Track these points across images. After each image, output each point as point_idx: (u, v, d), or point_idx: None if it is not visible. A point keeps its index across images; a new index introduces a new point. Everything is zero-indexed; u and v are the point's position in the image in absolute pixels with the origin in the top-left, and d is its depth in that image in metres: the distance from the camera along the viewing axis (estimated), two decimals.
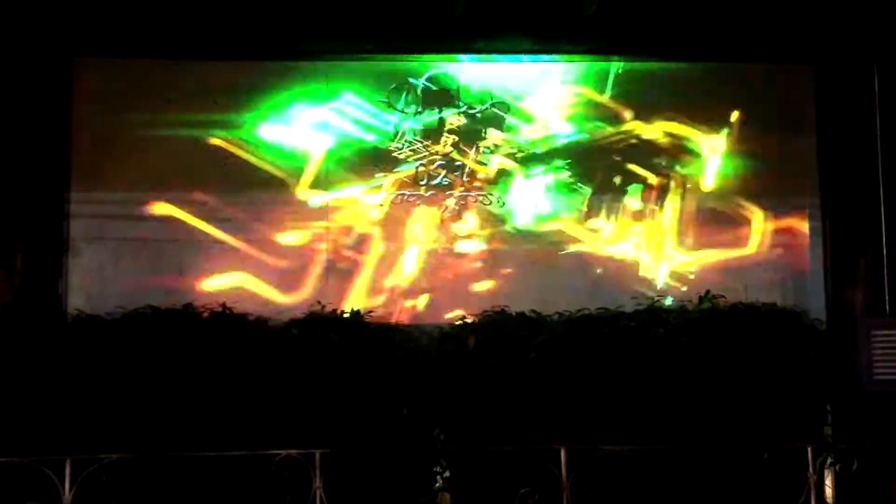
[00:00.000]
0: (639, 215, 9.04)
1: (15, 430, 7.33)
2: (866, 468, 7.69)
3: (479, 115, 9.02)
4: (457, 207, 8.95)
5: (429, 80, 9.02)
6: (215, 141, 8.79)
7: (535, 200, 8.99)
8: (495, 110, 9.01)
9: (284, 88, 8.86)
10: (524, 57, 9.01)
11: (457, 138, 8.99)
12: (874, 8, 8.41)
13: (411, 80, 8.99)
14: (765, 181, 9.05)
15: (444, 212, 8.93)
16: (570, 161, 9.03)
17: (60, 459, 6.69)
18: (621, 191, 9.04)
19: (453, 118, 9.00)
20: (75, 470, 6.68)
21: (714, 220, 9.04)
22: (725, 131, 9.06)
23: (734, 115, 9.07)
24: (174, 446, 7.28)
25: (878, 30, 8.60)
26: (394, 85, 8.97)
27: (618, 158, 9.06)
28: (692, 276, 8.92)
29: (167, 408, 7.54)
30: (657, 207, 9.03)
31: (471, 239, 8.95)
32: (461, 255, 8.92)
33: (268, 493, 7.37)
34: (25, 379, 7.56)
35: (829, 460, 7.70)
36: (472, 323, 8.34)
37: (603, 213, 9.01)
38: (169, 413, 7.52)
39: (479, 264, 8.93)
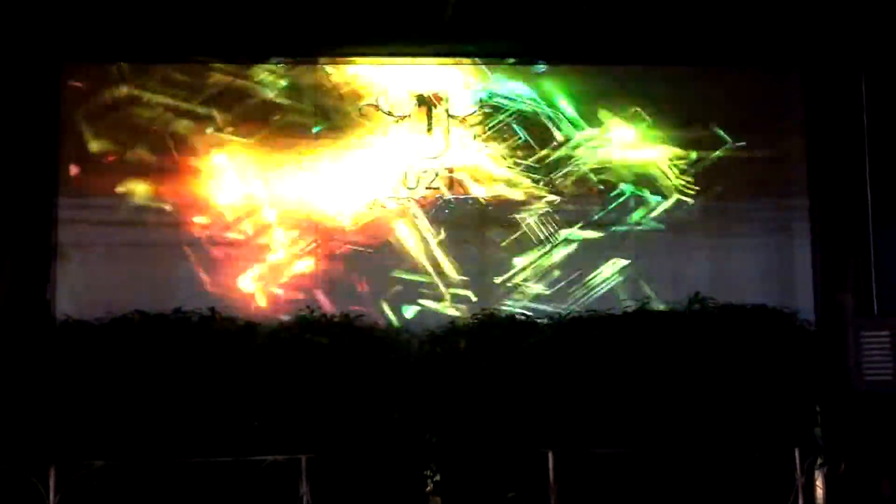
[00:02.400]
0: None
1: (1, 435, 7.32)
2: (857, 468, 7.68)
3: (468, 117, 9.02)
4: (447, 210, 8.95)
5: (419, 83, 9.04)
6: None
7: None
8: (484, 112, 9.02)
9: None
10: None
11: (447, 140, 8.99)
12: (860, 11, 8.40)
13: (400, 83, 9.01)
14: (754, 183, 9.04)
15: (434, 213, 8.94)
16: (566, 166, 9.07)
17: (45, 466, 6.67)
18: (615, 197, 9.07)
19: (442, 121, 9.00)
20: (60, 476, 6.66)
21: (704, 221, 9.03)
22: (715, 134, 9.06)
23: (724, 119, 9.08)
24: (162, 452, 7.27)
25: (864, 33, 8.59)
26: (383, 88, 8.98)
27: (615, 162, 9.09)
28: (684, 278, 8.91)
29: (156, 413, 7.52)
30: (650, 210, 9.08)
31: (462, 240, 8.94)
32: (452, 257, 8.91)
33: (256, 498, 7.36)
34: (13, 384, 7.55)
35: (818, 461, 7.69)
36: (463, 326, 8.32)
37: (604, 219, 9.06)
38: (157, 418, 7.51)
39: (470, 265, 8.92)
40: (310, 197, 8.85)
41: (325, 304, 8.49)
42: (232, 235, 8.77)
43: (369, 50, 8.89)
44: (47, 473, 6.69)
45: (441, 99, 9.00)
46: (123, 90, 8.77)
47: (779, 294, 8.73)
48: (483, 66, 9.04)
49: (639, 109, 9.06)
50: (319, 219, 8.85)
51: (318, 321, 8.22)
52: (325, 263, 8.80)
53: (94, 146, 8.72)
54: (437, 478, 7.76)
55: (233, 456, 7.22)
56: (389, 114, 8.96)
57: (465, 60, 9.02)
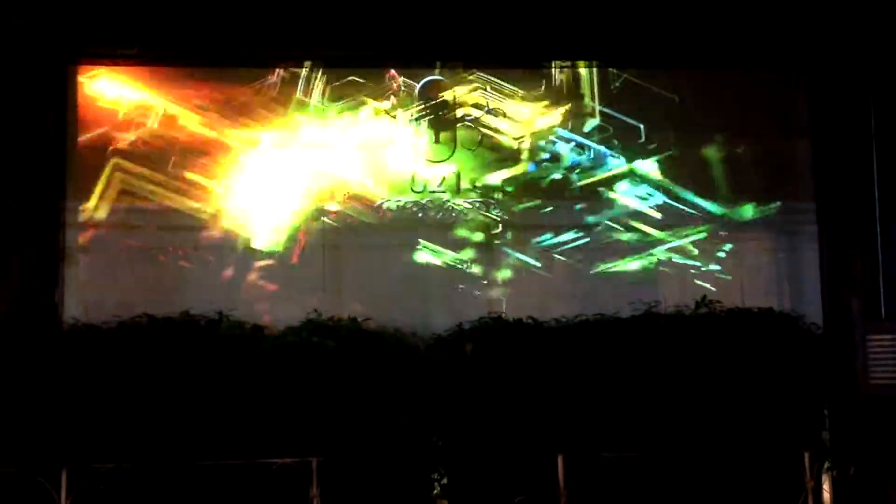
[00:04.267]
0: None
1: (11, 439, 7.31)
2: (865, 472, 7.68)
3: (474, 121, 9.03)
4: (454, 214, 8.95)
5: (424, 87, 9.04)
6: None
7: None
8: (490, 116, 9.03)
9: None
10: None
11: (453, 144, 9.00)
12: (866, 13, 8.44)
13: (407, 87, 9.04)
14: (761, 186, 9.07)
15: (441, 217, 8.94)
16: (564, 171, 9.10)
17: (56, 469, 6.66)
18: (620, 196, 9.08)
19: (449, 124, 9.02)
20: (71, 479, 6.65)
21: (711, 224, 9.06)
22: (722, 137, 9.08)
23: (730, 122, 9.10)
24: (172, 455, 7.27)
25: (870, 35, 8.62)
26: (390, 92, 8.99)
27: (614, 163, 9.09)
28: (691, 280, 8.92)
29: (164, 416, 7.51)
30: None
31: (468, 245, 8.95)
32: (459, 261, 8.91)
33: (266, 501, 7.36)
34: (22, 388, 7.54)
35: (826, 465, 7.69)
36: (469, 329, 8.31)
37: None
38: (166, 422, 7.50)
39: (475, 270, 8.92)
40: (317, 200, 8.87)
41: (333, 308, 8.44)
42: (239, 238, 8.78)
43: (367, 54, 8.91)
44: (58, 476, 6.67)
45: (448, 102, 9.03)
46: (131, 92, 8.77)
47: (786, 297, 8.78)
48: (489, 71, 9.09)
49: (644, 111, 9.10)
50: (327, 222, 8.86)
51: (326, 324, 8.20)
52: (332, 266, 8.80)
53: (102, 149, 8.71)
54: (445, 481, 7.75)
55: (243, 459, 7.20)
56: (395, 117, 8.98)
57: None
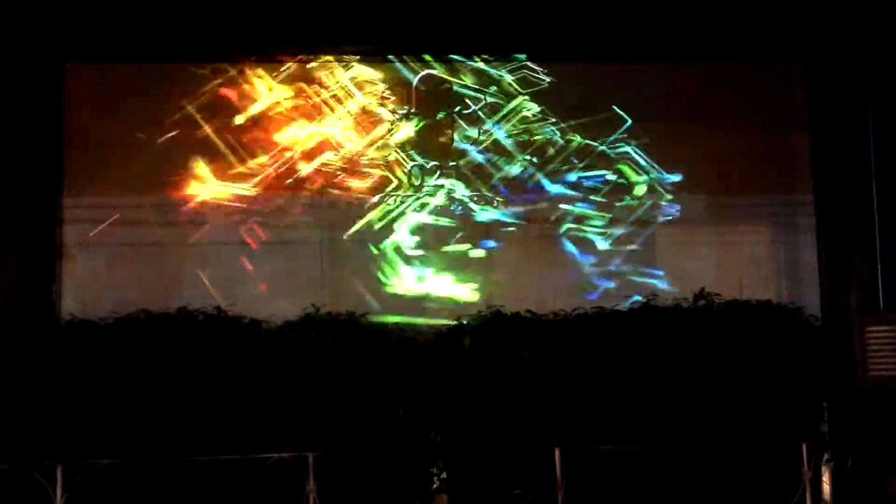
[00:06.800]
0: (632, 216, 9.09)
1: (8, 435, 7.34)
2: (864, 464, 7.67)
3: (471, 114, 9.01)
4: (450, 207, 8.95)
5: (422, 80, 9.02)
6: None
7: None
8: (488, 109, 9.02)
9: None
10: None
11: (449, 138, 8.99)
12: (864, 6, 8.41)
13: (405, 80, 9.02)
14: (759, 179, 9.05)
15: (436, 210, 8.94)
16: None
17: (51, 465, 6.67)
18: (615, 188, 9.07)
19: (445, 118, 9.00)
20: (67, 476, 6.66)
21: (710, 218, 9.03)
22: (720, 131, 9.05)
23: (728, 115, 9.07)
24: (168, 450, 7.27)
25: (868, 28, 8.60)
26: (387, 85, 8.97)
27: (612, 159, 9.07)
28: (689, 274, 8.90)
29: (162, 412, 7.53)
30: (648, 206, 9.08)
31: (465, 238, 8.94)
32: (455, 255, 8.90)
33: (262, 496, 7.37)
34: (19, 384, 7.57)
35: (825, 457, 7.69)
36: (468, 323, 8.31)
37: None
38: (164, 417, 7.52)
39: (473, 263, 8.91)
40: (315, 196, 8.86)
41: (331, 302, 8.41)
42: (237, 234, 8.78)
43: (368, 48, 8.90)
44: (54, 472, 6.68)
45: (446, 96, 9.01)
46: (127, 90, 8.77)
47: (784, 290, 8.76)
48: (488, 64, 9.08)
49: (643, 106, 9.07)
50: (325, 217, 8.86)
51: (324, 319, 8.19)
52: (330, 261, 8.80)
53: (98, 146, 8.72)
54: (444, 475, 7.76)
55: (239, 454, 7.21)
56: (393, 111, 8.97)
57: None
